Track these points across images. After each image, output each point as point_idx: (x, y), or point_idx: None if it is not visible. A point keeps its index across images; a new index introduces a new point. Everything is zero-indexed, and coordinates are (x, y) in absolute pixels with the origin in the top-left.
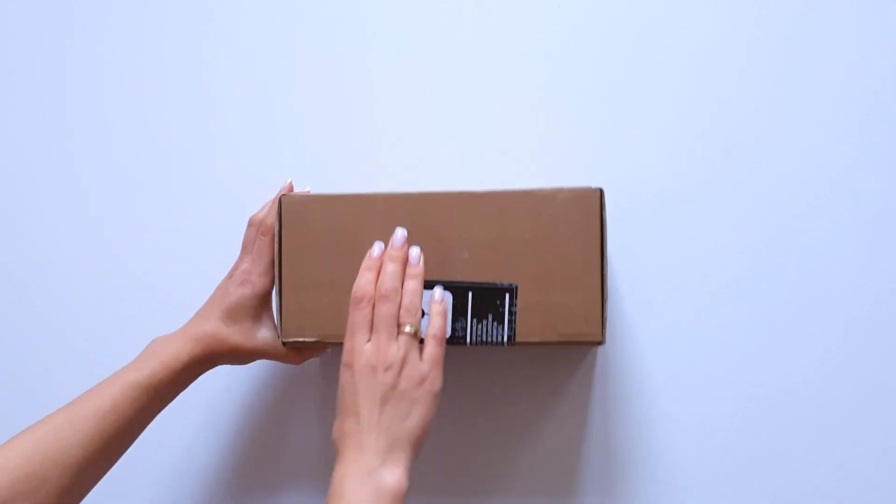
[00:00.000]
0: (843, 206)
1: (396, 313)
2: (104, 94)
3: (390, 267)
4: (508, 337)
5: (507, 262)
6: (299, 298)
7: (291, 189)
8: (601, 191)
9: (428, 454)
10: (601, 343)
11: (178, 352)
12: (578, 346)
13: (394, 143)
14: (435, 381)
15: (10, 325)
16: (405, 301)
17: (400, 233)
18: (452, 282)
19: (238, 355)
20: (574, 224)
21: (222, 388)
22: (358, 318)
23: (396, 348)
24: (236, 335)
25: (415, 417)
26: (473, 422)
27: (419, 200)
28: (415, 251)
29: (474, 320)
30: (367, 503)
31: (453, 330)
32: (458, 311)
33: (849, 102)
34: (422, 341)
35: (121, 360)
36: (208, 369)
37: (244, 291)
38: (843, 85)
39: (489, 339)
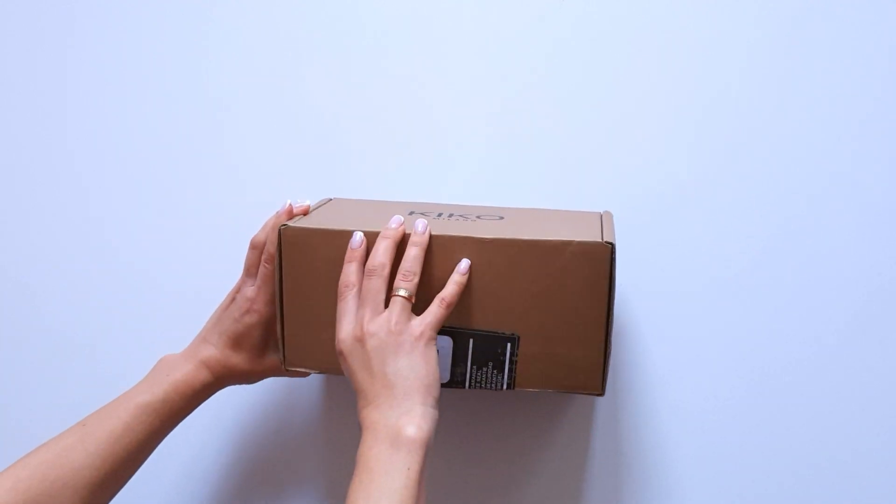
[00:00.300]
0: (853, 221)
1: (384, 287)
2: (109, 95)
3: (382, 244)
4: (508, 385)
5: (511, 312)
6: (301, 331)
7: (291, 211)
8: (612, 247)
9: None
10: (601, 395)
11: (190, 378)
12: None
13: (399, 151)
14: (425, 332)
15: (16, 329)
16: (403, 266)
17: (395, 218)
18: (454, 327)
19: (247, 378)
20: (581, 279)
21: (228, 392)
22: (342, 307)
23: (380, 316)
24: (245, 362)
25: (417, 369)
26: (474, 451)
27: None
28: (420, 222)
29: (474, 367)
30: (385, 455)
31: (452, 375)
32: (459, 357)
33: (857, 109)
34: None
35: (126, 361)
36: (217, 391)
37: (250, 320)
38: (850, 92)
39: (488, 385)
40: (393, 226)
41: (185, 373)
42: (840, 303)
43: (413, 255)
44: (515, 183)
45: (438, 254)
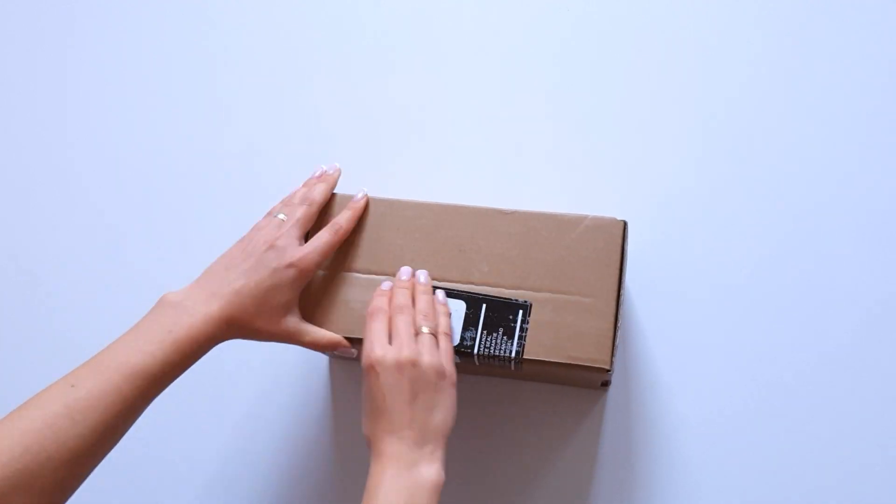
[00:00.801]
0: (863, 229)
1: (412, 321)
2: (109, 95)
3: (400, 292)
4: (517, 352)
5: (525, 280)
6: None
7: (339, 172)
8: (625, 223)
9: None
10: (609, 371)
11: (196, 334)
12: (586, 372)
13: (408, 155)
14: (452, 373)
15: (19, 329)
16: (420, 306)
17: (404, 270)
18: (468, 291)
19: (258, 337)
20: (595, 251)
21: (232, 386)
22: (376, 326)
23: (417, 346)
24: (265, 322)
25: (442, 409)
26: (483, 460)
27: (447, 211)
28: (422, 274)
29: (484, 332)
30: (406, 492)
31: (462, 339)
32: (470, 321)
33: (868, 117)
34: None
35: None
36: (220, 343)
37: (289, 275)
38: (861, 100)
39: (497, 351)
40: (404, 278)
41: (190, 328)
42: (849, 310)
43: (425, 300)
44: (524, 189)
45: (460, 222)
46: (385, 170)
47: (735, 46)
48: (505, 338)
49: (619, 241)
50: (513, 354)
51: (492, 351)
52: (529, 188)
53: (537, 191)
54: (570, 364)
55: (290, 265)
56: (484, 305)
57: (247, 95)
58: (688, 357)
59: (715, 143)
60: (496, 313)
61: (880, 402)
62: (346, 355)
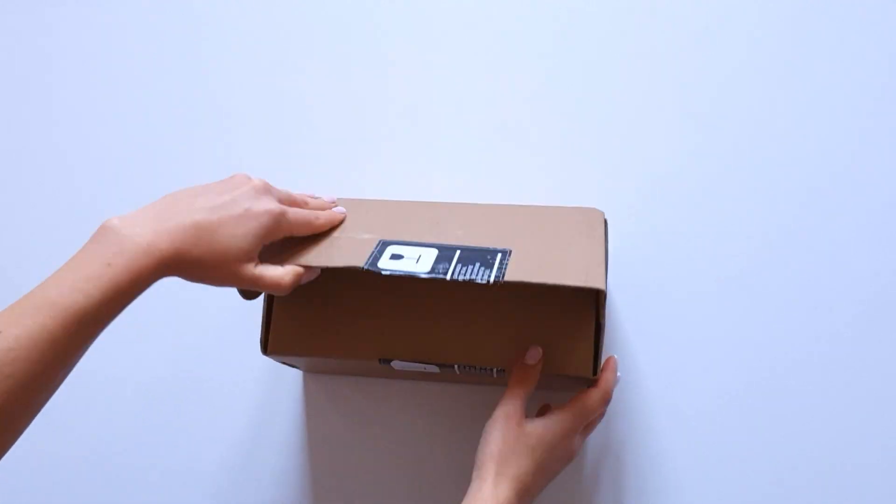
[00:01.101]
0: (856, 223)
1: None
2: (111, 93)
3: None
4: (496, 278)
5: (503, 240)
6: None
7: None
8: (603, 213)
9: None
10: (600, 289)
11: (139, 269)
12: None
13: (390, 150)
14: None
15: None
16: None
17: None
18: (441, 245)
19: (206, 280)
20: (576, 216)
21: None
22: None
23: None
24: (217, 264)
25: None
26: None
27: (423, 204)
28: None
29: (459, 264)
30: None
31: (433, 269)
32: (442, 258)
33: (861, 109)
34: None
35: (129, 360)
36: None
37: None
38: (854, 92)
39: (472, 277)
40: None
41: (131, 261)
42: (841, 307)
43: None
44: (511, 185)
45: (438, 209)
46: (370, 171)
47: (729, 43)
48: (482, 268)
49: (601, 216)
50: (490, 280)
51: (467, 277)
52: (515, 194)
53: (523, 195)
54: (556, 284)
55: (267, 211)
56: (458, 251)
57: (243, 94)
58: (677, 355)
59: (705, 141)
60: (472, 256)
61: (874, 398)
62: (312, 277)
